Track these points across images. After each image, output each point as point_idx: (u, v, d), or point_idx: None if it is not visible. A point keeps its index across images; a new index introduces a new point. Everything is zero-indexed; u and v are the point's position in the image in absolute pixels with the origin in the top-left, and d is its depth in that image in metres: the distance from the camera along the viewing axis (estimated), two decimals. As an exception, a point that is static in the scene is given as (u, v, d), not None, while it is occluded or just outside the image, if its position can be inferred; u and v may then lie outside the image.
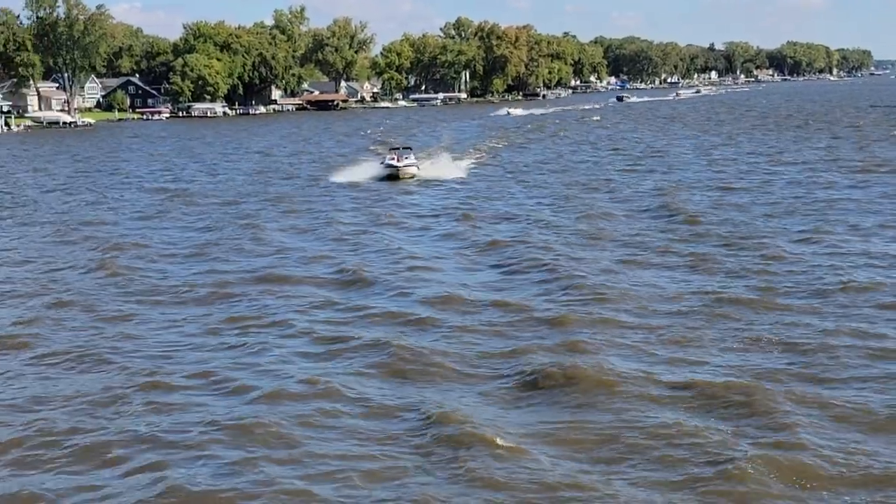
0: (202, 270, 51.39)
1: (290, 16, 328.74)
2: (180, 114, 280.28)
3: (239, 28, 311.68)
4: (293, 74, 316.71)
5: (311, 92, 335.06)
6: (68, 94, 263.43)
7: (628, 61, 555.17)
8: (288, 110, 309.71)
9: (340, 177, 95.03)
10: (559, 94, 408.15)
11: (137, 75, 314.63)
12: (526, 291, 44.01)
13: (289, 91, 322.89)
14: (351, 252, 55.20)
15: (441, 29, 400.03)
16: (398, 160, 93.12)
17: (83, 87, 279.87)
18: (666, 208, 67.15)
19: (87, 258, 55.63)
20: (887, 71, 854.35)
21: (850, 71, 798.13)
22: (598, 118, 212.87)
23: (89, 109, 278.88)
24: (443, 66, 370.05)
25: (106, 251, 57.28)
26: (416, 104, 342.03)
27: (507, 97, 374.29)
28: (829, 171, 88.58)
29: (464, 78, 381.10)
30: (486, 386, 31.40)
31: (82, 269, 52.49)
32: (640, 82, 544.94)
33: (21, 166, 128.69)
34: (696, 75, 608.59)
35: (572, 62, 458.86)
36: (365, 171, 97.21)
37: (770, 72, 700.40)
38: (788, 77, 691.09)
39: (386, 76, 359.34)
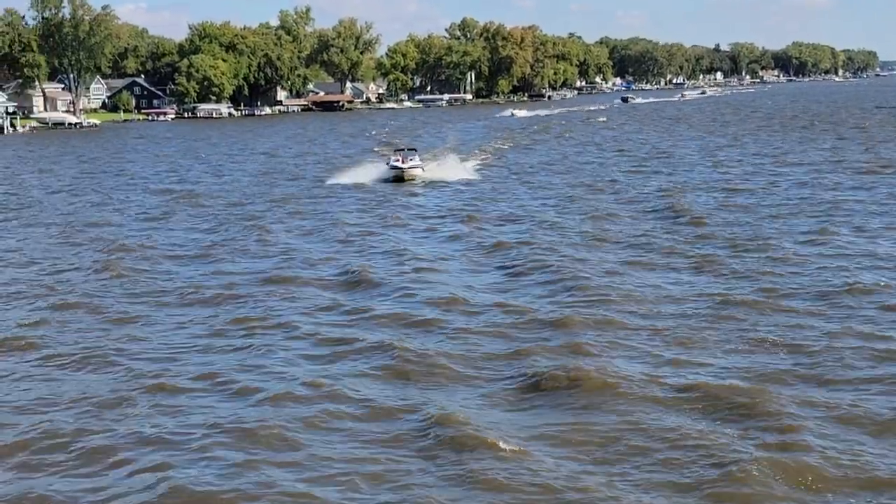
0: (208, 272, 51.44)
1: (295, 16, 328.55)
2: (186, 115, 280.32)
3: (244, 29, 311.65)
4: (298, 75, 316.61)
5: (317, 93, 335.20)
6: (73, 94, 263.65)
7: (634, 62, 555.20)
8: (293, 111, 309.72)
9: (345, 178, 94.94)
10: (564, 95, 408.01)
11: (143, 76, 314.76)
12: (531, 293, 44.03)
13: (294, 92, 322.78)
14: (356, 254, 55.22)
15: (446, 29, 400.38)
16: (403, 161, 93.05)
17: (88, 88, 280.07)
18: (671, 209, 67.08)
19: (92, 259, 55.67)
20: (893, 72, 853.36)
21: (856, 72, 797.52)
22: (605, 119, 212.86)
23: (94, 110, 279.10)
24: (448, 66, 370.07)
25: (111, 253, 57.30)
26: (421, 105, 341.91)
27: (512, 98, 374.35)
28: (835, 172, 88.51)
29: (469, 79, 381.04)
30: (491, 388, 31.42)
31: (88, 270, 52.52)
32: (646, 83, 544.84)
33: (26, 167, 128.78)
34: (701, 76, 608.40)
35: (578, 63, 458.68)
36: (370, 172, 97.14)
37: (775, 72, 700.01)
38: (794, 78, 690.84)
39: (391, 77, 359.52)
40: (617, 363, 32.89)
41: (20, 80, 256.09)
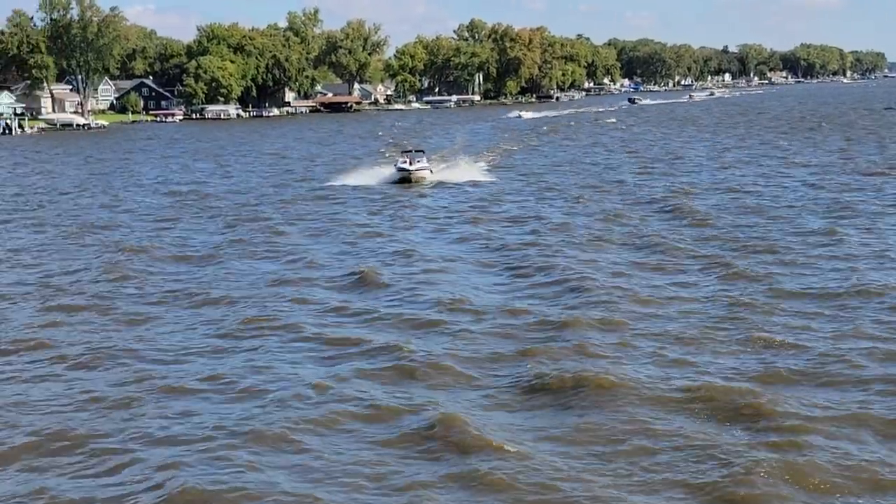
0: (216, 273, 51.48)
1: (303, 18, 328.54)
2: (194, 116, 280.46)
3: (252, 30, 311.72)
4: (306, 76, 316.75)
5: (325, 94, 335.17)
6: (82, 96, 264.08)
7: (642, 63, 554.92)
8: (301, 112, 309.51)
9: (353, 179, 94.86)
10: (573, 97, 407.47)
11: (151, 77, 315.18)
12: (537, 294, 44.06)
13: (302, 93, 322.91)
14: (363, 255, 55.27)
15: (454, 31, 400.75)
16: (410, 163, 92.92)
17: (97, 89, 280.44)
18: (679, 211, 67.05)
19: (101, 260, 55.74)
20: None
21: (864, 73, 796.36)
22: (614, 120, 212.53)
23: (103, 111, 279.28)
24: (456, 68, 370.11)
25: (120, 253, 57.40)
26: (429, 106, 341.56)
27: (520, 99, 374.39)
28: (843, 173, 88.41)
29: (477, 80, 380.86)
30: (496, 390, 31.44)
31: (96, 271, 52.57)
32: (654, 84, 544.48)
33: (35, 168, 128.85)
34: (709, 77, 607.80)
35: (586, 64, 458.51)
36: (378, 173, 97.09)
37: (783, 74, 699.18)
38: (802, 79, 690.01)
39: (399, 78, 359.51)
40: (623, 365, 32.92)
41: (28, 82, 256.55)
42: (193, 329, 40.17)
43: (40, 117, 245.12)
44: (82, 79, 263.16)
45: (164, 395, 31.67)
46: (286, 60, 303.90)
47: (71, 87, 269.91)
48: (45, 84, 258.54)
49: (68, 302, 45.31)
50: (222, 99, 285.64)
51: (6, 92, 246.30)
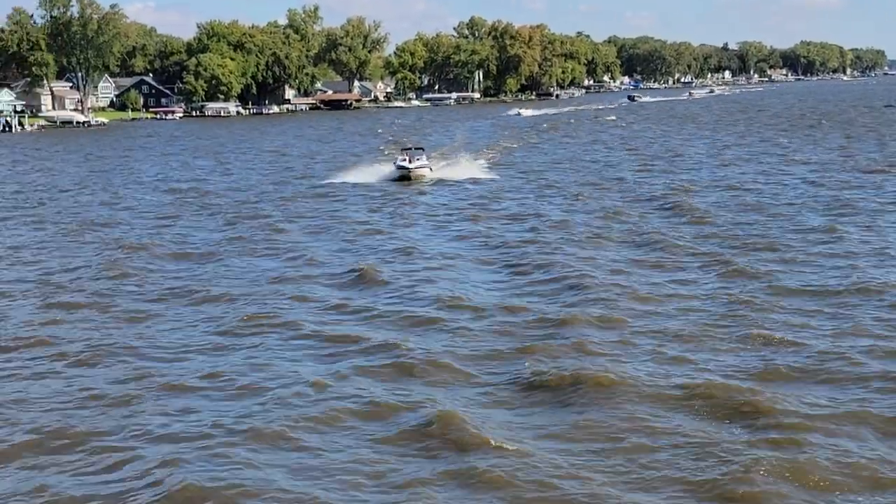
0: (215, 270, 51.52)
1: (303, 15, 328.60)
2: (194, 113, 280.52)
3: (252, 27, 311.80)
4: (306, 74, 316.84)
5: (325, 91, 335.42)
6: (82, 93, 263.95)
7: (642, 61, 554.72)
8: (301, 110, 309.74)
9: (353, 177, 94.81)
10: (572, 94, 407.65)
11: (151, 75, 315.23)
12: (536, 292, 44.08)
13: (302, 91, 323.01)
14: (363, 252, 55.29)
15: (454, 28, 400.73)
16: (410, 161, 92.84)
17: (97, 87, 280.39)
18: (678, 208, 67.09)
19: (101, 258, 55.77)
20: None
21: (864, 71, 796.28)
22: (614, 118, 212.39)
23: (103, 109, 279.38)
24: (456, 65, 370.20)
25: (120, 251, 57.42)
26: (429, 104, 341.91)
27: (520, 97, 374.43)
28: (843, 171, 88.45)
29: (477, 77, 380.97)
30: (495, 387, 31.45)
31: (96, 268, 52.57)
32: (654, 82, 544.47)
33: (35, 166, 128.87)
34: (709, 75, 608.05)
35: (586, 62, 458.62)
36: (377, 171, 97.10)
37: (783, 71, 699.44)
38: (802, 77, 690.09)
39: (399, 76, 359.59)
40: (622, 362, 32.95)
41: (29, 79, 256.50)
42: (193, 326, 40.20)
43: (40, 115, 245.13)
44: (82, 76, 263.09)
45: (164, 392, 31.71)
46: (286, 58, 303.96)
47: (71, 84, 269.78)
48: (45, 81, 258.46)
49: (68, 299, 45.33)
50: (222, 96, 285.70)
51: (6, 89, 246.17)
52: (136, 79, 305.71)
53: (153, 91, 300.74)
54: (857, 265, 46.75)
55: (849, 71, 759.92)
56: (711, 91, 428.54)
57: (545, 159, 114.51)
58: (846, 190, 74.71)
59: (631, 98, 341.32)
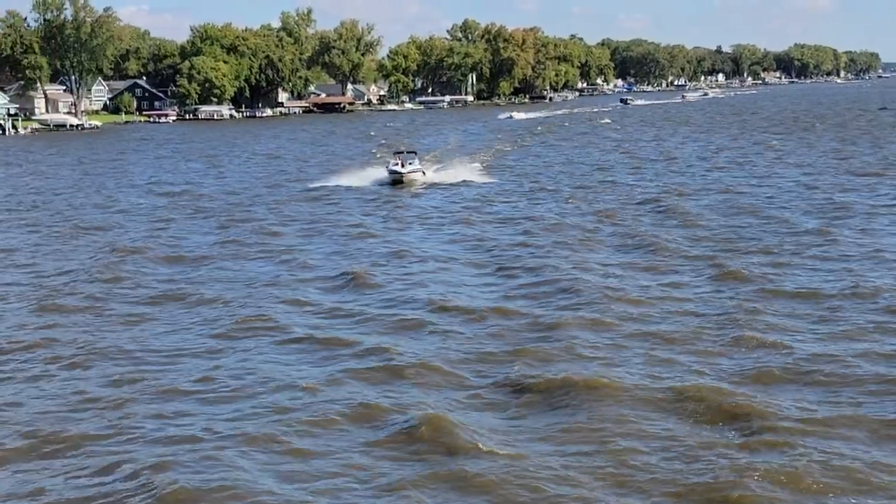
0: (209, 274, 51.52)
1: (296, 18, 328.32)
2: (187, 116, 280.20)
3: (246, 30, 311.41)
4: (300, 77, 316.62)
5: (318, 94, 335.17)
6: (75, 96, 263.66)
7: (635, 64, 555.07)
8: (294, 113, 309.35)
9: (346, 180, 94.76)
10: (566, 97, 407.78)
11: (144, 78, 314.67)
12: (528, 295, 44.10)
13: (295, 94, 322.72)
14: (355, 256, 55.32)
15: (448, 31, 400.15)
16: (402, 165, 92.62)
17: (90, 90, 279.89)
18: (672, 211, 67.19)
19: (94, 261, 55.71)
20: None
21: (858, 73, 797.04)
22: (608, 121, 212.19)
23: (96, 112, 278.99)
24: (449, 68, 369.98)
25: (113, 255, 57.36)
26: (422, 107, 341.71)
27: (513, 100, 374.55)
28: (837, 174, 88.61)
29: (470, 80, 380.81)
30: (486, 390, 31.50)
31: (90, 272, 52.49)
32: (647, 85, 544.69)
33: (28, 169, 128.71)
34: (703, 78, 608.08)
35: (579, 64, 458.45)
36: (370, 174, 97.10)
37: (777, 74, 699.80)
38: (796, 79, 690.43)
39: (392, 79, 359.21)
40: (613, 366, 33.01)
41: (22, 82, 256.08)
42: (186, 329, 40.22)
43: (34, 118, 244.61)
44: (76, 79, 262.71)
45: (157, 395, 31.75)
46: (279, 61, 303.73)
47: (64, 87, 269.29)
48: (38, 84, 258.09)
49: (61, 302, 45.29)
50: (216, 99, 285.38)
51: (0, 92, 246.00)
52: (129, 82, 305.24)
53: (146, 94, 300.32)
54: (851, 268, 46.84)
55: (843, 74, 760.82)
56: (705, 94, 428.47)
57: (538, 162, 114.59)
58: (840, 193, 74.83)
59: (623, 101, 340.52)
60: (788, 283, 44.29)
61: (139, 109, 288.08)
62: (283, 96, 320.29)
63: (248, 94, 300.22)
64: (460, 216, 69.53)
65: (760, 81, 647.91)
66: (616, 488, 24.16)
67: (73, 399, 31.68)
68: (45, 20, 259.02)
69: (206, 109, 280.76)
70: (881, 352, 33.74)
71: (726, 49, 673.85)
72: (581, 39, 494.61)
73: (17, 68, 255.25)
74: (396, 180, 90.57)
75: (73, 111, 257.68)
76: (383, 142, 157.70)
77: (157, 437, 27.94)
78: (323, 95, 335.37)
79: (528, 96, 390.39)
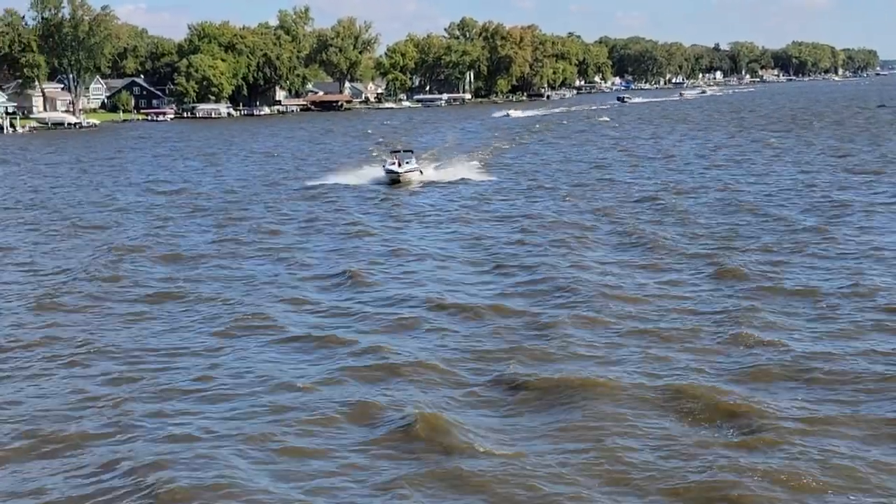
0: (206, 273, 51.51)
1: (294, 16, 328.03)
2: (185, 115, 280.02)
3: (243, 28, 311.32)
4: (297, 75, 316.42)
5: (316, 92, 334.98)
6: (73, 94, 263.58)
7: (633, 61, 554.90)
8: (292, 111, 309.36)
9: (344, 179, 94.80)
10: (564, 95, 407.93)
11: (142, 76, 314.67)
12: (525, 293, 44.09)
13: (293, 92, 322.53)
14: (353, 254, 55.33)
15: (445, 29, 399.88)
16: (399, 164, 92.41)
17: (88, 88, 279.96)
18: (669, 209, 67.27)
19: (91, 260, 55.69)
20: (893, 71, 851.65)
21: (856, 71, 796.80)
22: (607, 119, 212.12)
23: (94, 110, 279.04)
24: (447, 66, 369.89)
25: (111, 253, 57.35)
26: (420, 105, 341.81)
27: (511, 98, 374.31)
28: (835, 171, 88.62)
29: (468, 78, 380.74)
30: (482, 388, 31.50)
31: (87, 271, 52.45)
32: (645, 83, 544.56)
33: (26, 167, 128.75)
34: (700, 75, 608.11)
35: (577, 62, 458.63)
36: (368, 172, 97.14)
37: (775, 72, 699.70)
38: (793, 77, 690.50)
39: (390, 77, 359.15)
40: (609, 364, 33.04)
41: (20, 81, 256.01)
42: (184, 329, 40.21)
43: (32, 116, 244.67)
44: (73, 77, 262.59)
45: (155, 394, 31.76)
46: (277, 59, 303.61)
47: (62, 85, 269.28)
48: (36, 83, 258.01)
49: (60, 301, 45.29)
50: (213, 98, 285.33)
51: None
52: (127, 80, 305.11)
53: (144, 92, 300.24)
54: (849, 266, 46.87)
55: (840, 71, 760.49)
56: (703, 92, 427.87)
57: (536, 160, 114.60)
58: (838, 191, 74.83)
59: (621, 100, 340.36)
60: (786, 281, 44.25)
61: (137, 108, 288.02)
62: (280, 94, 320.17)
63: (245, 92, 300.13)
64: (458, 214, 69.55)
65: (758, 79, 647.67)
66: (613, 486, 24.16)
67: (72, 398, 31.69)
68: (42, 18, 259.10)
69: (203, 108, 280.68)
70: (879, 350, 33.72)
71: (724, 47, 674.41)
72: (579, 37, 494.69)
73: (14, 67, 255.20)
74: (394, 180, 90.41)
75: (71, 109, 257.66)
76: (381, 140, 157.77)
77: (154, 436, 27.94)
78: (321, 93, 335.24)
79: (525, 94, 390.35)
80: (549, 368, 32.53)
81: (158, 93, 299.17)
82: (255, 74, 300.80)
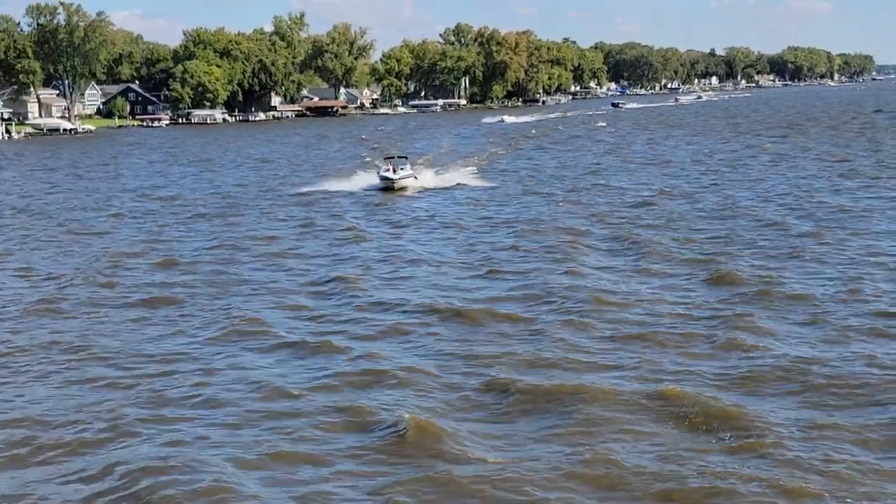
0: (201, 278, 51.48)
1: (289, 22, 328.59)
2: (180, 121, 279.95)
3: (238, 34, 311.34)
4: (293, 81, 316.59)
5: (311, 98, 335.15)
6: (68, 100, 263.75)
7: (629, 67, 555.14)
8: (287, 117, 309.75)
9: (338, 185, 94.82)
10: (559, 100, 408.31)
11: (137, 82, 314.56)
12: (518, 298, 44.05)
13: (288, 98, 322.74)
14: (346, 260, 55.42)
15: (441, 35, 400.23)
16: (394, 171, 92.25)
17: (83, 94, 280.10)
18: (664, 214, 67.31)
19: (86, 266, 55.69)
20: (890, 76, 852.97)
21: (852, 76, 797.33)
22: (604, 124, 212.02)
23: (89, 116, 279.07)
24: (442, 72, 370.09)
25: (105, 259, 57.39)
26: (415, 110, 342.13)
27: (506, 103, 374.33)
28: (832, 176, 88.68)
29: (463, 84, 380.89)
30: (476, 395, 31.43)
31: (81, 277, 52.45)
32: (641, 88, 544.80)
33: (21, 174, 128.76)
34: (696, 81, 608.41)
35: (572, 68, 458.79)
36: (362, 178, 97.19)
37: (771, 77, 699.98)
38: (789, 82, 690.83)
39: (385, 82, 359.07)
40: (604, 370, 33.09)
41: (15, 87, 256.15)
42: (179, 335, 40.23)
43: (27, 122, 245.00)
44: (69, 84, 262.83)
45: (149, 400, 31.75)
46: (272, 65, 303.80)
47: (58, 91, 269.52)
48: (31, 89, 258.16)
49: (55, 307, 45.34)
50: (209, 104, 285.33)
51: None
52: (122, 86, 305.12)
53: (140, 98, 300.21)
54: (844, 271, 46.90)
55: (836, 76, 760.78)
56: (699, 97, 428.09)
57: (531, 166, 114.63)
58: (834, 195, 74.89)
59: (615, 105, 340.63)
60: (781, 286, 44.22)
61: (132, 114, 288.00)
62: (276, 100, 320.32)
63: (241, 98, 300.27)
64: (453, 220, 69.64)
65: (754, 84, 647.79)
66: (606, 492, 24.17)
67: (68, 403, 31.72)
68: (38, 25, 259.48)
69: (199, 114, 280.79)
70: (874, 355, 33.72)
71: (720, 52, 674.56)
72: (574, 43, 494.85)
73: (10, 73, 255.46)
74: (388, 186, 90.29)
75: (67, 115, 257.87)
76: (375, 146, 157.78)
77: (148, 442, 27.96)
78: (316, 99, 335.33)
79: (521, 100, 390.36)
80: (543, 373, 32.57)
81: (154, 99, 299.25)
82: (251, 80, 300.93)
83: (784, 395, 30.16)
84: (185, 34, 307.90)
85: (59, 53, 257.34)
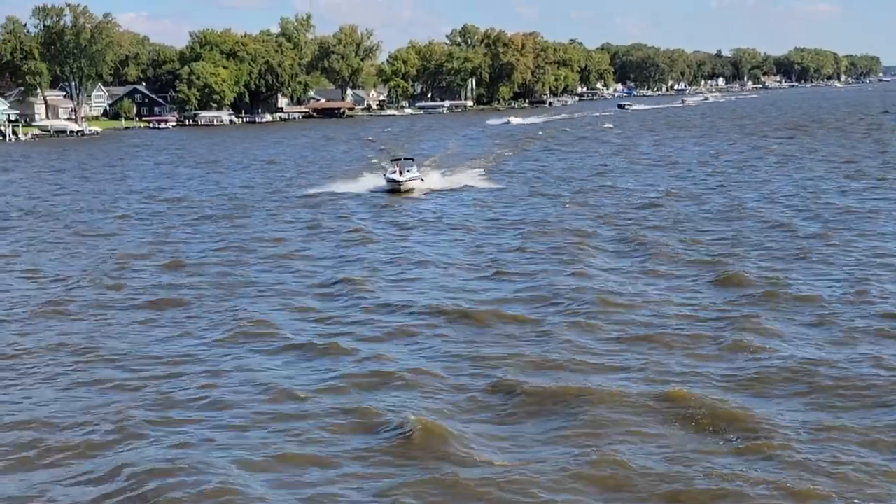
0: (207, 280, 51.49)
1: (296, 23, 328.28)
2: (187, 122, 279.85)
3: (245, 36, 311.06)
4: (299, 82, 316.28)
5: (318, 100, 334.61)
6: (75, 102, 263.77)
7: (635, 68, 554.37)
8: (294, 118, 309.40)
9: (345, 186, 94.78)
10: (566, 102, 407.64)
11: (144, 83, 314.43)
12: (525, 300, 44.07)
13: (295, 99, 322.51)
14: (353, 262, 55.38)
15: (447, 36, 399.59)
16: (400, 173, 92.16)
17: (90, 96, 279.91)
18: (671, 215, 67.22)
19: (93, 268, 55.72)
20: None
21: (859, 77, 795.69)
22: (611, 125, 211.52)
23: (96, 118, 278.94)
24: (449, 73, 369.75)
25: (112, 261, 57.39)
26: (422, 112, 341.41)
27: (513, 104, 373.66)
28: (839, 178, 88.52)
29: (470, 85, 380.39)
30: (483, 396, 31.46)
31: (88, 278, 52.47)
32: (647, 89, 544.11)
33: (28, 175, 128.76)
34: (703, 82, 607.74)
35: (579, 69, 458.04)
36: (369, 180, 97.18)
37: (777, 78, 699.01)
38: (796, 83, 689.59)
39: (392, 84, 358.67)
40: (611, 371, 33.06)
41: (22, 88, 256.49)
42: (186, 336, 40.23)
43: (34, 124, 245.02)
44: (76, 85, 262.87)
45: (156, 402, 31.78)
46: (279, 66, 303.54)
47: (64, 93, 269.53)
48: (38, 90, 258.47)
49: (62, 308, 45.39)
50: (215, 105, 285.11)
51: (0, 98, 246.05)
52: (129, 88, 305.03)
53: (146, 100, 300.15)
54: (852, 273, 46.85)
55: (843, 78, 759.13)
56: (705, 98, 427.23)
57: (537, 167, 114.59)
58: (841, 197, 74.80)
59: (621, 106, 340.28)
60: (788, 287, 44.20)
61: (139, 115, 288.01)
62: (282, 102, 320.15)
63: (247, 99, 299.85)
64: (460, 221, 69.58)
65: (761, 85, 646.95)
66: (613, 493, 24.16)
67: (76, 405, 31.76)
68: (44, 26, 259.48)
69: (205, 115, 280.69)
70: (881, 356, 33.71)
71: (726, 53, 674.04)
72: (581, 44, 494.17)
73: (17, 74, 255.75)
74: (395, 189, 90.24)
75: (73, 117, 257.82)
76: (382, 147, 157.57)
77: (155, 444, 27.98)
78: (322, 101, 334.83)
79: (527, 101, 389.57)
80: (550, 375, 32.57)
81: (160, 100, 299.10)
82: (257, 82, 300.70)
83: (791, 397, 30.17)
84: (191, 35, 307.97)
85: (66, 55, 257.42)
